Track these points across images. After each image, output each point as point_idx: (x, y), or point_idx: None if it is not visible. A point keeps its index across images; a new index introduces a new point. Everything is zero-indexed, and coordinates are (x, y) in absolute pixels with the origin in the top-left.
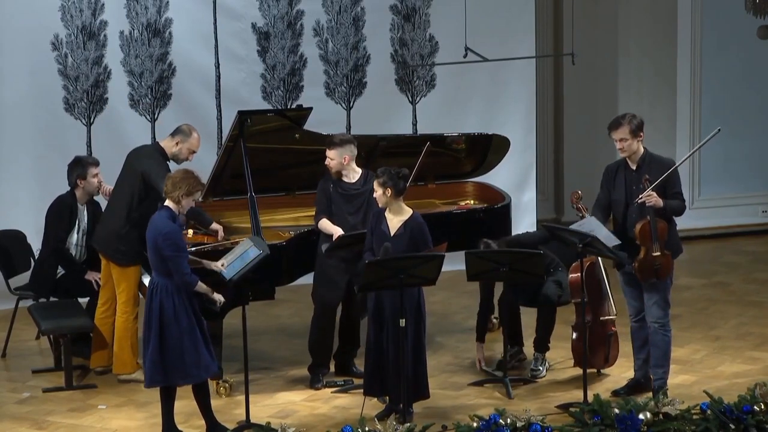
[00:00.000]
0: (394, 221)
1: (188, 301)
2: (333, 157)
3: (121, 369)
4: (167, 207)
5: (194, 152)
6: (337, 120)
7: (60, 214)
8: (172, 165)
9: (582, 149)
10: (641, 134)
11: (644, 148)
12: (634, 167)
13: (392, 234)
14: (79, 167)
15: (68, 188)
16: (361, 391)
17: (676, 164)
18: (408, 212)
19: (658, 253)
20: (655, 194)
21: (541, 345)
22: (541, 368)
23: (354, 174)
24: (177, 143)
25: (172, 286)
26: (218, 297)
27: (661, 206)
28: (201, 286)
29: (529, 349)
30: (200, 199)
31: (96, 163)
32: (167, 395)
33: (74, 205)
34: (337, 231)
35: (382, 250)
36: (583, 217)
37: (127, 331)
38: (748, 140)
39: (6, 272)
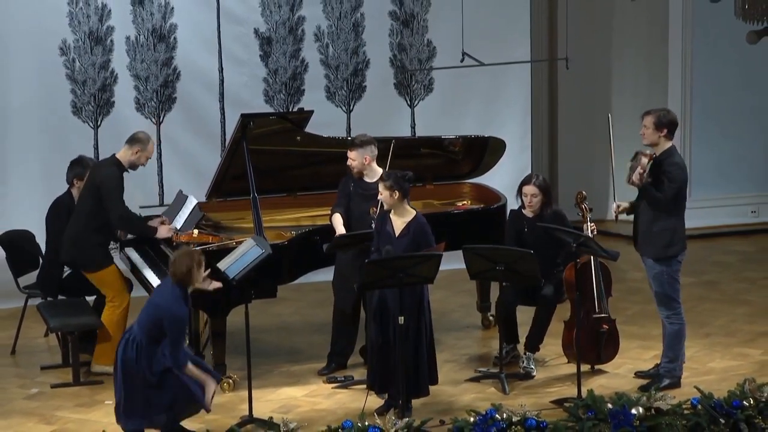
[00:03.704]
0: (399, 222)
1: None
2: (354, 158)
3: (99, 359)
4: (181, 287)
5: (149, 158)
6: (338, 123)
7: (58, 216)
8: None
9: (576, 151)
10: (665, 130)
11: (672, 146)
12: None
13: (397, 235)
14: (78, 167)
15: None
16: (361, 386)
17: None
18: (411, 213)
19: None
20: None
21: (533, 345)
22: (533, 366)
23: (374, 174)
24: (136, 152)
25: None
26: (213, 285)
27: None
28: (191, 371)
29: (521, 347)
30: (204, 198)
31: None
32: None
33: (72, 206)
34: (339, 231)
35: (383, 252)
36: (584, 217)
37: (113, 324)
38: (739, 142)
39: (15, 271)
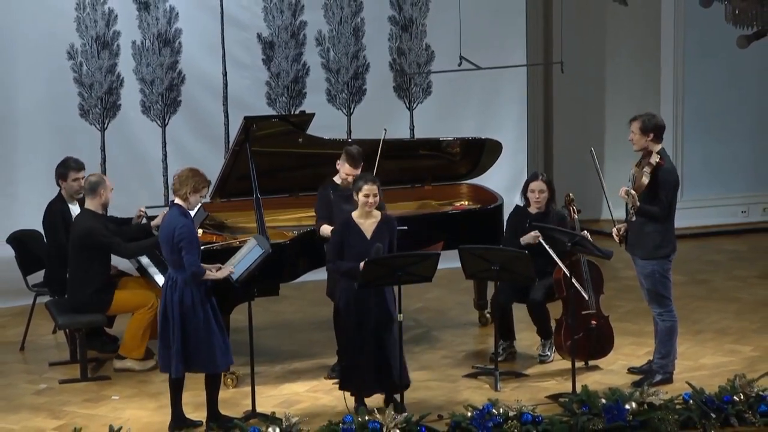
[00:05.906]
0: (367, 224)
1: (205, 295)
2: (351, 173)
3: (128, 352)
4: (177, 204)
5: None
6: (338, 125)
7: (54, 223)
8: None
9: (571, 152)
10: (651, 134)
11: (662, 149)
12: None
13: (369, 237)
14: (62, 168)
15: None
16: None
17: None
18: (377, 213)
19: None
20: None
21: (545, 332)
22: (548, 353)
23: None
24: (102, 193)
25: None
26: (223, 273)
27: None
28: (208, 275)
29: (535, 338)
30: (208, 199)
31: (79, 168)
32: (177, 386)
33: (65, 209)
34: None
35: (374, 250)
36: (572, 218)
37: (142, 327)
38: (730, 143)
39: (24, 270)
